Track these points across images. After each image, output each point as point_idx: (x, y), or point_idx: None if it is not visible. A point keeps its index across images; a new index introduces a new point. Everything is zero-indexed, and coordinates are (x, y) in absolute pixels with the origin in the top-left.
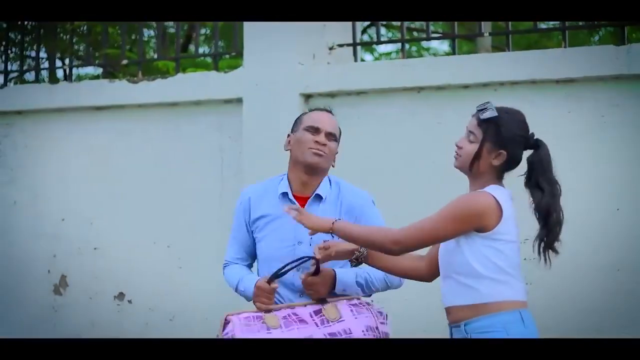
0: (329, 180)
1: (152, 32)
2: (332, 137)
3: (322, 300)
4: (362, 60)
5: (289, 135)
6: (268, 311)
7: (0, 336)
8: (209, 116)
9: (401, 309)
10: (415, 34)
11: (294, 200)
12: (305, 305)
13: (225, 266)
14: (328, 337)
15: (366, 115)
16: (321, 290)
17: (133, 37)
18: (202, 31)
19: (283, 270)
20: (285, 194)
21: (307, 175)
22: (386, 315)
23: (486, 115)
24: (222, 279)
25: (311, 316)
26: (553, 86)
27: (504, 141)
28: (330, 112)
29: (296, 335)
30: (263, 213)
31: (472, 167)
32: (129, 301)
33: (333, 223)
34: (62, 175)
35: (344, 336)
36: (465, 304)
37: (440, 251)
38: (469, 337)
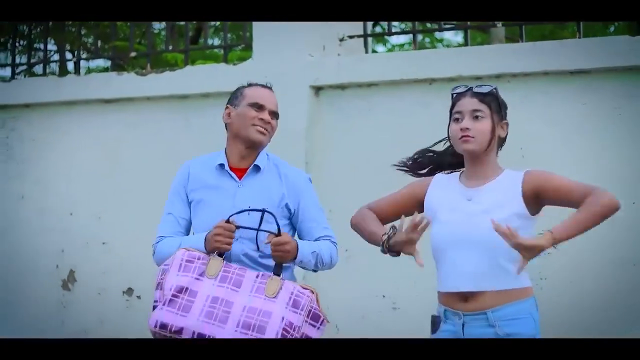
0: (266, 154)
1: (161, 25)
2: (275, 115)
3: (278, 270)
4: (374, 51)
5: (227, 107)
6: (220, 254)
7: (8, 333)
8: (218, 108)
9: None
10: (428, 25)
11: (230, 172)
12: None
13: (157, 243)
14: (247, 313)
15: (377, 107)
16: (289, 252)
17: (142, 29)
18: (212, 23)
19: (243, 226)
20: (222, 166)
21: (247, 149)
22: (324, 321)
23: (485, 89)
24: None
25: (254, 280)
26: (567, 77)
27: (502, 110)
28: (270, 88)
29: (219, 295)
30: (202, 184)
31: (489, 145)
32: (138, 297)
33: (552, 233)
34: (70, 169)
35: (256, 319)
36: (502, 288)
37: (475, 229)
38: (492, 326)
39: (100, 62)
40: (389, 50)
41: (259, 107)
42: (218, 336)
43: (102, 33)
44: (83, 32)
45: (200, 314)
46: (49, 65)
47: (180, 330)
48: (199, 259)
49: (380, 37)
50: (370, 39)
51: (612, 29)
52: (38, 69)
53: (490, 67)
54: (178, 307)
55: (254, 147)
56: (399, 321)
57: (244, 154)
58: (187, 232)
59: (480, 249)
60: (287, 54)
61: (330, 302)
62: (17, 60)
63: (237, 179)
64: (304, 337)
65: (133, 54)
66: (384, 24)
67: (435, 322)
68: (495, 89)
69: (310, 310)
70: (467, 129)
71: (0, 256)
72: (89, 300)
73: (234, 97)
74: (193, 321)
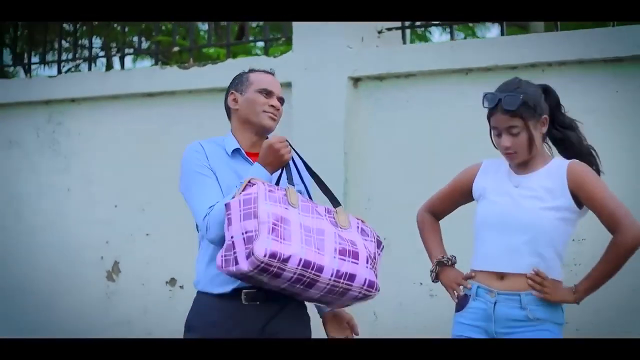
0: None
1: (204, 25)
2: (282, 101)
3: (336, 202)
4: (411, 42)
5: (232, 93)
6: (290, 184)
7: (55, 323)
8: None
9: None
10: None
11: (247, 157)
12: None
13: (210, 213)
14: (339, 239)
15: (415, 98)
16: None
17: (185, 27)
18: (254, 24)
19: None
20: (237, 150)
21: (257, 136)
22: (382, 246)
23: (512, 105)
24: None
25: (324, 214)
26: (601, 65)
27: (537, 109)
28: (274, 74)
29: (309, 224)
30: (218, 166)
31: (532, 151)
32: (181, 287)
33: (574, 292)
34: (114, 162)
35: (349, 246)
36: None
37: (524, 214)
38: (523, 308)
39: (145, 63)
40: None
41: (268, 93)
42: (319, 263)
43: (145, 30)
44: (127, 28)
45: (301, 241)
46: (95, 63)
47: (288, 259)
48: (277, 189)
49: (418, 34)
50: (408, 32)
51: None
52: (83, 66)
53: (525, 57)
54: (281, 236)
55: (264, 133)
56: (436, 308)
57: (255, 140)
58: None
59: (523, 233)
60: (326, 46)
61: None
62: (64, 57)
63: (252, 163)
64: (378, 261)
65: (176, 48)
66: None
67: (462, 303)
68: (522, 96)
69: (375, 237)
70: (509, 147)
71: (48, 248)
72: (133, 290)
73: (237, 83)
74: (297, 249)
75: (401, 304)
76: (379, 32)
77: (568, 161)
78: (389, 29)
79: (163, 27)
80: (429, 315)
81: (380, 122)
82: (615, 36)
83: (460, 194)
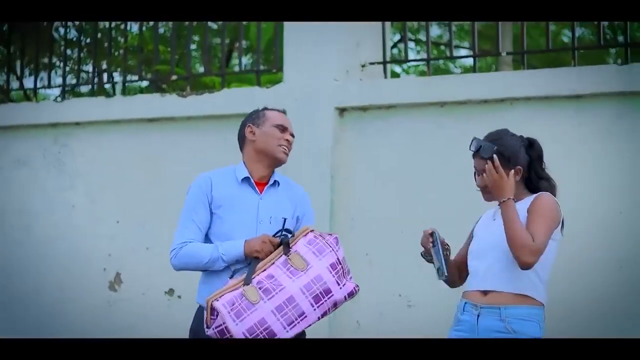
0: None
1: (198, 51)
2: (293, 136)
3: (287, 249)
4: (393, 71)
5: (249, 126)
6: (247, 283)
7: (61, 329)
8: None
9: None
10: (442, 47)
11: (254, 185)
12: (273, 262)
13: (181, 247)
14: (305, 292)
15: (395, 127)
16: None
17: (182, 51)
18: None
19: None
20: (247, 179)
21: (269, 167)
22: (336, 238)
23: (486, 152)
24: None
25: (281, 269)
26: (564, 101)
27: (512, 159)
28: (285, 113)
29: (277, 302)
30: (226, 193)
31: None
32: (179, 296)
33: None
34: (117, 182)
35: (318, 288)
36: (516, 292)
37: (495, 238)
38: (502, 320)
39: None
40: (405, 70)
41: (284, 129)
42: (307, 325)
43: (145, 57)
44: (128, 56)
45: (283, 327)
46: (95, 86)
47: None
48: (237, 298)
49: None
50: (389, 66)
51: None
52: (84, 88)
53: (496, 92)
54: (268, 335)
55: (276, 165)
56: (413, 317)
57: (266, 172)
58: (204, 238)
59: (499, 256)
60: (315, 79)
61: (352, 301)
62: (67, 82)
63: (258, 192)
64: (343, 264)
65: (174, 77)
66: (402, 51)
67: (434, 238)
68: (496, 147)
69: (328, 243)
70: (482, 187)
71: (55, 259)
72: (134, 299)
73: (254, 117)
74: (281, 333)
75: (382, 314)
76: (362, 66)
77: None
78: (372, 63)
79: (162, 58)
80: (407, 323)
81: (363, 148)
82: (576, 75)
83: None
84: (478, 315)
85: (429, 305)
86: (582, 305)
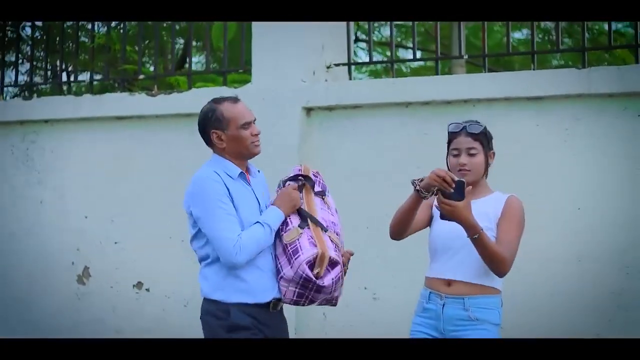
0: None
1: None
2: (255, 120)
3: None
4: (357, 70)
5: (214, 132)
6: (321, 227)
7: (30, 322)
8: None
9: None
10: (404, 50)
11: (245, 178)
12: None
13: (239, 242)
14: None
15: (361, 127)
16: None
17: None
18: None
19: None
20: (242, 174)
21: (246, 161)
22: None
23: (476, 129)
24: None
25: (325, 210)
26: (524, 103)
27: (490, 144)
28: (239, 100)
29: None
30: (232, 189)
31: (483, 173)
32: (147, 289)
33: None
34: (85, 178)
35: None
36: (478, 282)
37: (458, 228)
38: (466, 309)
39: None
40: (369, 72)
41: (248, 124)
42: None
43: (112, 57)
44: (95, 56)
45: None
46: (65, 86)
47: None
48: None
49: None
50: (352, 67)
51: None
52: (48, 87)
53: (459, 93)
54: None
55: (251, 157)
56: (378, 309)
57: (245, 164)
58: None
59: (463, 248)
60: (282, 79)
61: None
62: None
63: (249, 183)
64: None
65: (141, 76)
66: (366, 53)
67: (462, 187)
68: (484, 127)
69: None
70: (465, 164)
71: (23, 254)
72: (102, 292)
73: (214, 121)
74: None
75: (348, 306)
76: (328, 67)
77: (508, 194)
78: (337, 65)
79: (131, 58)
80: (372, 315)
81: (329, 146)
82: (537, 77)
83: (426, 210)
84: (443, 305)
85: (393, 298)
86: (543, 299)
